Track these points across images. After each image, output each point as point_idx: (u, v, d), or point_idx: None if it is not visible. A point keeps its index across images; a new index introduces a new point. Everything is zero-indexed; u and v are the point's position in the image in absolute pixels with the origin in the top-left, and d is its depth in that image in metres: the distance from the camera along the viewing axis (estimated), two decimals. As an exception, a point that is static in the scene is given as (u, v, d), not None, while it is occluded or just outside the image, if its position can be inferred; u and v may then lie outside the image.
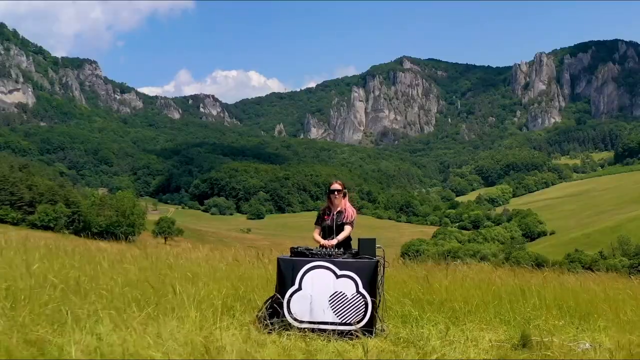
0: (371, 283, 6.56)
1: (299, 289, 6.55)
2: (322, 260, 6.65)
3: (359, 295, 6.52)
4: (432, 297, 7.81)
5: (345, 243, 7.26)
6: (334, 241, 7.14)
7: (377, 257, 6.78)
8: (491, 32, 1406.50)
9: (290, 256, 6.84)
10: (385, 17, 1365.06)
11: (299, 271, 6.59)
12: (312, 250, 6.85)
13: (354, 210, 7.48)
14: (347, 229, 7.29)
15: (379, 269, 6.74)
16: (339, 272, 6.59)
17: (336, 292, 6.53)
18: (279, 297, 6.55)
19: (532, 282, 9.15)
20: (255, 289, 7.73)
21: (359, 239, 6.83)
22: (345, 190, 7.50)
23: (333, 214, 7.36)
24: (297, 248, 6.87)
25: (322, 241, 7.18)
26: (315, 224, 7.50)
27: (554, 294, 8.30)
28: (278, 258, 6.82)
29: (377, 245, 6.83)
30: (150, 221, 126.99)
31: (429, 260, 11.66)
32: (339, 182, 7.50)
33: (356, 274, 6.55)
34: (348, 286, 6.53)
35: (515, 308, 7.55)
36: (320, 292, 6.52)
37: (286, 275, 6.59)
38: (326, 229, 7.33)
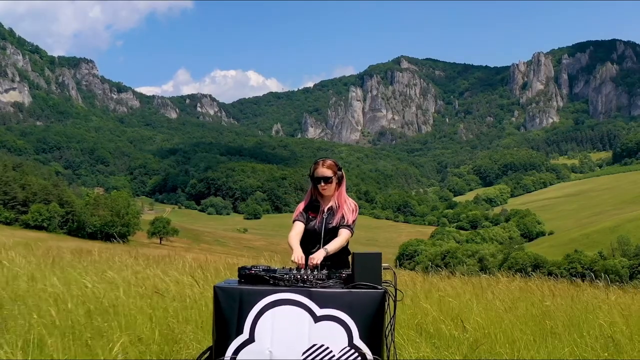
0: (373, 329, 3.88)
1: (250, 340, 3.86)
2: (291, 291, 3.93)
3: (352, 350, 3.87)
4: (459, 333, 5.39)
5: (337, 258, 4.58)
6: (320, 255, 4.36)
7: (384, 285, 4.06)
8: (489, 32, 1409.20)
9: (239, 282, 4.07)
10: (383, 17, 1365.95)
11: (250, 310, 3.88)
12: (274, 272, 4.06)
13: (355, 205, 4.77)
14: (344, 235, 4.56)
15: (386, 304, 3.98)
16: (320, 312, 3.89)
17: (315, 346, 3.84)
18: (217, 353, 3.89)
19: (580, 297, 6.85)
20: (202, 325, 5.23)
21: (353, 254, 4.11)
22: (341, 173, 4.75)
23: (323, 211, 4.70)
24: (249, 269, 4.07)
25: (298, 256, 4.38)
26: (296, 220, 4.73)
27: (614, 320, 5.90)
28: (215, 287, 3.99)
29: (383, 265, 4.06)
30: (145, 221, 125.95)
31: (437, 270, 9.71)
32: (329, 162, 4.74)
33: (349, 314, 3.86)
34: (335, 335, 3.86)
35: (581, 347, 5.20)
36: (286, 346, 3.84)
37: (228, 317, 3.88)
38: (310, 233, 4.67)
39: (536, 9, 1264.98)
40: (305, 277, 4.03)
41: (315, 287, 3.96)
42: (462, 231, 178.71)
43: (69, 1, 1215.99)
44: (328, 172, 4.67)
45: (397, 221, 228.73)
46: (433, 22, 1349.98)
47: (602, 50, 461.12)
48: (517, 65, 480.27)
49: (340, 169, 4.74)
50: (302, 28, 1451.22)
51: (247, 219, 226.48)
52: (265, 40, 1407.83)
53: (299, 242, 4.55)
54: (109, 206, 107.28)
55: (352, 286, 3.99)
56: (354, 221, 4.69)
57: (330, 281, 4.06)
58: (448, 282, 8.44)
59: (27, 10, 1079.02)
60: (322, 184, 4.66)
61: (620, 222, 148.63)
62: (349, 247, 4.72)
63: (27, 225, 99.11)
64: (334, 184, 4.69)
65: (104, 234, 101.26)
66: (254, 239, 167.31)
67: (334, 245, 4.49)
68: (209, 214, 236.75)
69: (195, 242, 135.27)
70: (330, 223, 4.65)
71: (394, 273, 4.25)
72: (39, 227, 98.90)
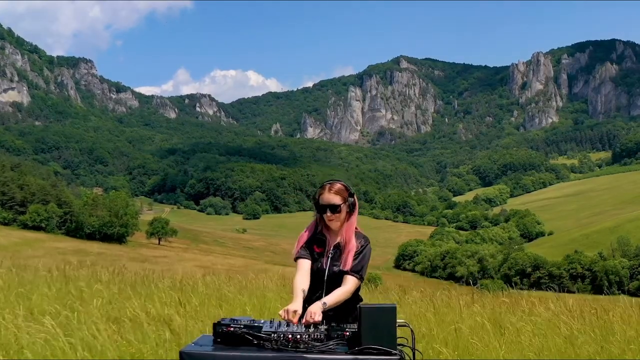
0: None
1: None
2: (279, 358, 2.96)
3: None
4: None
5: (343, 307, 3.56)
6: (319, 310, 3.35)
7: (398, 349, 3.07)
8: (488, 31, 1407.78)
9: (214, 342, 3.07)
10: (383, 17, 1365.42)
11: None
12: (259, 330, 3.06)
13: (367, 241, 3.73)
14: (349, 285, 3.58)
15: None
16: None
17: None
18: None
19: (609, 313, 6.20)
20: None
21: (360, 309, 3.07)
22: (352, 200, 3.71)
23: (329, 248, 3.69)
24: (228, 324, 3.07)
25: (291, 310, 3.31)
26: (300, 257, 3.68)
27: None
28: (181, 353, 2.92)
29: (398, 321, 3.07)
30: (144, 221, 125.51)
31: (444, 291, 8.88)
32: (337, 186, 3.67)
33: None
34: None
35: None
36: None
37: None
38: (315, 276, 3.65)
39: (536, 9, 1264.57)
40: (299, 336, 3.04)
41: (311, 352, 2.99)
42: (461, 231, 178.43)
43: (68, 1, 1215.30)
44: (336, 199, 3.63)
45: (397, 221, 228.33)
46: (432, 22, 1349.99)
47: (601, 50, 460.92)
48: (516, 65, 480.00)
49: (352, 195, 3.70)
50: (301, 28, 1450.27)
51: (246, 219, 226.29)
52: (265, 40, 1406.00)
53: (303, 289, 3.52)
54: (108, 206, 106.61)
55: (358, 350, 3.00)
56: (364, 266, 3.64)
57: (331, 342, 3.07)
58: (455, 298, 7.54)
59: (27, 10, 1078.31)
60: (329, 213, 3.63)
61: (620, 222, 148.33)
62: (359, 292, 3.70)
63: (25, 226, 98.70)
64: (343, 214, 3.66)
65: (102, 234, 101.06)
66: (253, 239, 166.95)
67: (334, 298, 3.49)
68: (208, 214, 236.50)
69: (194, 243, 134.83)
70: (336, 265, 3.63)
71: (412, 331, 3.24)
72: (37, 228, 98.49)
